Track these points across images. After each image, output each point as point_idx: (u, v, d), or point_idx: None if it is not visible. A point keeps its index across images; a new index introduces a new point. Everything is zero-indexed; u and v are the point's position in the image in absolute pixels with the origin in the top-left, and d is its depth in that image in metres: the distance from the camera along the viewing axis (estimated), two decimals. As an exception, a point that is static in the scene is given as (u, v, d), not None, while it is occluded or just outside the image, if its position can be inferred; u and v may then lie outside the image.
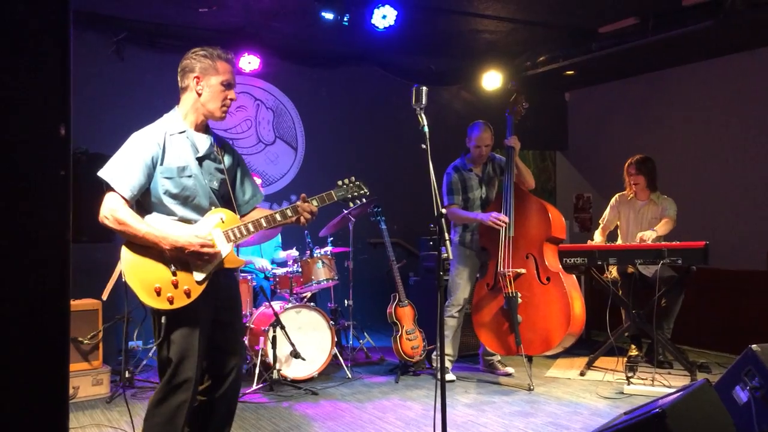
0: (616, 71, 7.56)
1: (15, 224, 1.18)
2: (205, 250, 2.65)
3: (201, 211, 2.78)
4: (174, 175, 2.72)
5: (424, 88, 3.04)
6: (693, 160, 7.03)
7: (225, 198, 2.91)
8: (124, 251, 2.63)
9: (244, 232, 2.80)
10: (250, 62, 6.39)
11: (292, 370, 4.87)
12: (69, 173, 1.25)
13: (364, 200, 3.06)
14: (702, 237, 4.82)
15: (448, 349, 5.06)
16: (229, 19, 5.85)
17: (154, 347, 2.71)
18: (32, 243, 1.21)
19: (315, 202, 2.90)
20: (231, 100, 2.83)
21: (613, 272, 5.35)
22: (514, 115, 5.02)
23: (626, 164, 5.49)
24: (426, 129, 3.01)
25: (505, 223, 4.78)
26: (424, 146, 2.99)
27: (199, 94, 2.78)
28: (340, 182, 3.02)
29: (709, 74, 6.92)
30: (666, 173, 6.94)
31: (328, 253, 5.35)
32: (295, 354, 4.73)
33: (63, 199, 1.25)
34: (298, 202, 2.87)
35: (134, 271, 2.62)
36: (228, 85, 2.80)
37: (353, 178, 3.05)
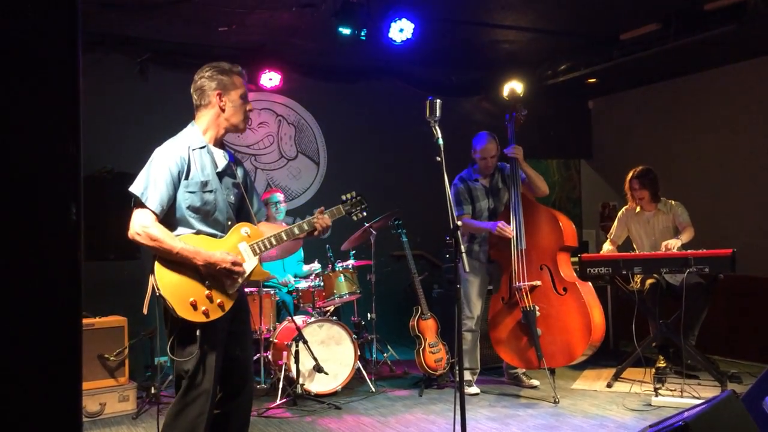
0: (639, 78, 7.47)
1: (24, 243, 1.20)
2: (236, 267, 2.73)
3: (219, 226, 2.83)
4: (197, 189, 2.77)
5: (438, 101, 3.05)
6: (719, 165, 6.91)
7: (236, 212, 2.96)
8: (158, 267, 2.67)
9: (268, 246, 2.88)
10: (271, 79, 6.46)
11: (316, 384, 4.88)
12: (79, 191, 1.26)
13: (365, 213, 3.20)
14: (729, 244, 4.72)
15: (470, 362, 5.02)
16: (250, 37, 5.93)
17: (185, 360, 2.71)
18: (43, 263, 1.23)
19: (327, 216, 3.03)
20: (250, 111, 2.94)
21: (638, 282, 5.27)
22: (515, 123, 4.99)
23: (628, 178, 5.40)
24: (440, 141, 3.02)
25: (510, 235, 4.74)
26: (438, 158, 3.00)
27: (223, 110, 2.86)
28: (344, 197, 3.17)
29: (733, 78, 6.81)
30: (692, 179, 6.85)
31: (350, 266, 5.37)
32: (318, 368, 4.74)
33: (74, 220, 1.27)
34: (313, 218, 2.98)
35: (170, 285, 2.66)
36: (245, 97, 2.91)
37: (354, 193, 3.19)
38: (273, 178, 6.78)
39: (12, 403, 1.16)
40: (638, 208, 5.41)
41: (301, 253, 5.79)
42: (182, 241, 2.69)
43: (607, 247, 5.50)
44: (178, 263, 2.66)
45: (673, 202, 5.34)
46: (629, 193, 5.42)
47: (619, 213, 5.58)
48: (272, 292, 5.26)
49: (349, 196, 3.17)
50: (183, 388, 2.70)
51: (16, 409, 1.16)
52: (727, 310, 5.66)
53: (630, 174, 5.39)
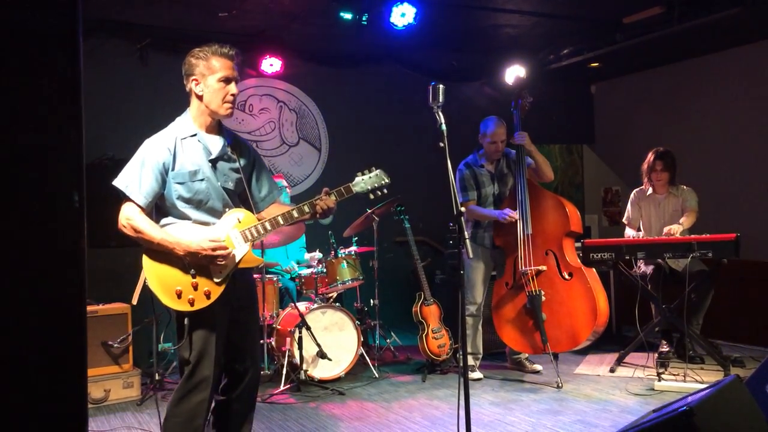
0: (642, 62, 7.43)
1: (28, 231, 1.19)
2: (218, 252, 2.68)
3: (215, 213, 2.81)
4: (186, 179, 2.75)
5: (441, 86, 3.02)
6: (722, 149, 6.88)
7: (243, 197, 2.93)
8: (145, 258, 2.71)
9: (261, 231, 2.82)
10: (272, 64, 6.42)
11: (319, 370, 4.89)
12: (82, 179, 1.25)
13: (385, 191, 2.98)
14: (733, 228, 4.71)
15: (473, 348, 5.03)
16: (250, 22, 5.89)
17: (176, 349, 2.76)
18: (46, 250, 1.22)
19: (333, 197, 2.87)
20: (232, 95, 2.79)
21: (641, 267, 5.26)
22: (520, 110, 4.96)
23: (650, 159, 5.33)
24: (444, 127, 2.99)
25: (514, 219, 4.74)
26: (442, 144, 2.98)
27: (201, 96, 2.79)
28: (360, 173, 2.96)
29: (737, 62, 6.76)
30: (695, 164, 6.82)
31: (353, 252, 5.36)
32: (322, 354, 4.75)
33: (76, 207, 1.26)
34: (315, 199, 2.86)
35: (155, 276, 2.68)
36: (226, 80, 2.77)
37: (373, 168, 2.98)
38: (274, 164, 6.76)
39: (19, 388, 1.16)
40: (650, 190, 5.38)
41: (303, 239, 5.79)
42: (167, 230, 2.70)
43: (629, 232, 5.42)
44: (164, 253, 2.67)
45: (684, 187, 5.32)
46: (648, 174, 5.35)
47: (631, 195, 5.53)
48: (275, 279, 5.26)
49: (366, 171, 2.96)
50: (184, 375, 2.74)
51: (23, 394, 1.17)
52: (730, 294, 5.65)
53: (652, 154, 5.33)
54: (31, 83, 1.20)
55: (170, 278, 2.68)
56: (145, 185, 2.69)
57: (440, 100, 3.02)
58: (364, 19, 5.14)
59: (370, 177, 2.95)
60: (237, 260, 2.77)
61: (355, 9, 5.10)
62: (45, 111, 1.22)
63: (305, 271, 5.37)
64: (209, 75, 2.76)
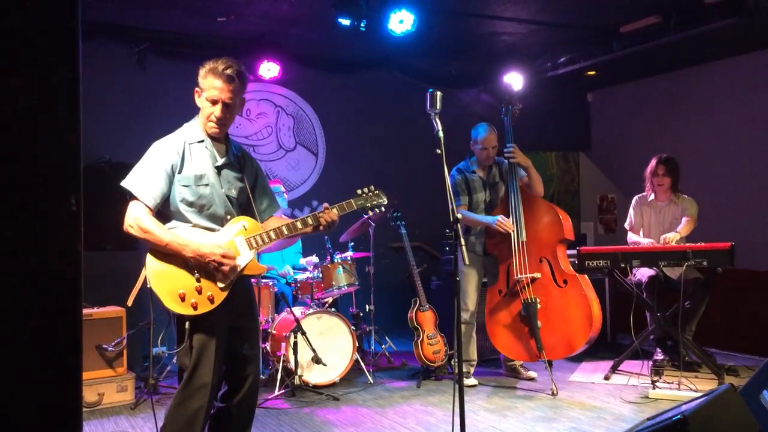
0: (638, 70, 7.46)
1: (25, 234, 1.19)
2: (226, 260, 2.70)
3: (216, 219, 2.82)
4: (191, 183, 2.76)
5: (439, 93, 3.04)
6: (717, 159, 6.91)
7: (243, 206, 2.95)
8: (149, 258, 2.69)
9: (266, 240, 2.85)
10: (269, 69, 6.43)
11: (314, 375, 4.88)
12: (79, 182, 1.25)
13: (382, 209, 3.11)
14: (728, 238, 4.73)
15: (466, 355, 5.03)
16: (248, 27, 5.91)
17: (172, 353, 2.76)
18: (43, 254, 1.22)
19: (335, 211, 2.96)
20: (215, 117, 2.80)
21: (637, 275, 5.27)
22: (511, 117, 4.99)
23: (653, 164, 5.35)
24: (441, 134, 3.01)
25: (510, 229, 4.74)
26: (438, 151, 2.99)
27: (199, 109, 2.85)
28: (359, 191, 3.08)
29: (732, 72, 6.80)
30: (690, 173, 6.84)
31: (349, 258, 5.36)
32: (317, 359, 4.74)
33: (73, 210, 1.26)
34: (319, 212, 2.93)
35: (159, 277, 2.67)
36: (214, 101, 2.79)
37: (372, 187, 3.10)
38: (271, 169, 6.76)
39: (14, 392, 1.16)
40: (651, 197, 5.40)
41: (299, 244, 5.79)
42: (175, 233, 2.70)
43: (633, 237, 5.43)
44: (170, 255, 2.67)
45: (685, 196, 5.34)
46: (650, 179, 5.37)
47: (633, 201, 5.54)
48: (271, 283, 5.25)
49: (366, 189, 3.08)
50: (183, 381, 2.73)
51: (17, 398, 1.16)
52: (725, 303, 5.67)
53: (655, 159, 5.34)
54: (30, 86, 1.20)
55: (174, 281, 2.67)
56: (155, 187, 2.70)
57: (437, 107, 3.04)
58: (362, 25, 5.16)
59: (368, 195, 3.08)
60: (242, 267, 2.79)
61: (354, 15, 5.12)
62: (43, 114, 1.22)
63: (301, 276, 5.36)
64: (204, 91, 2.81)
